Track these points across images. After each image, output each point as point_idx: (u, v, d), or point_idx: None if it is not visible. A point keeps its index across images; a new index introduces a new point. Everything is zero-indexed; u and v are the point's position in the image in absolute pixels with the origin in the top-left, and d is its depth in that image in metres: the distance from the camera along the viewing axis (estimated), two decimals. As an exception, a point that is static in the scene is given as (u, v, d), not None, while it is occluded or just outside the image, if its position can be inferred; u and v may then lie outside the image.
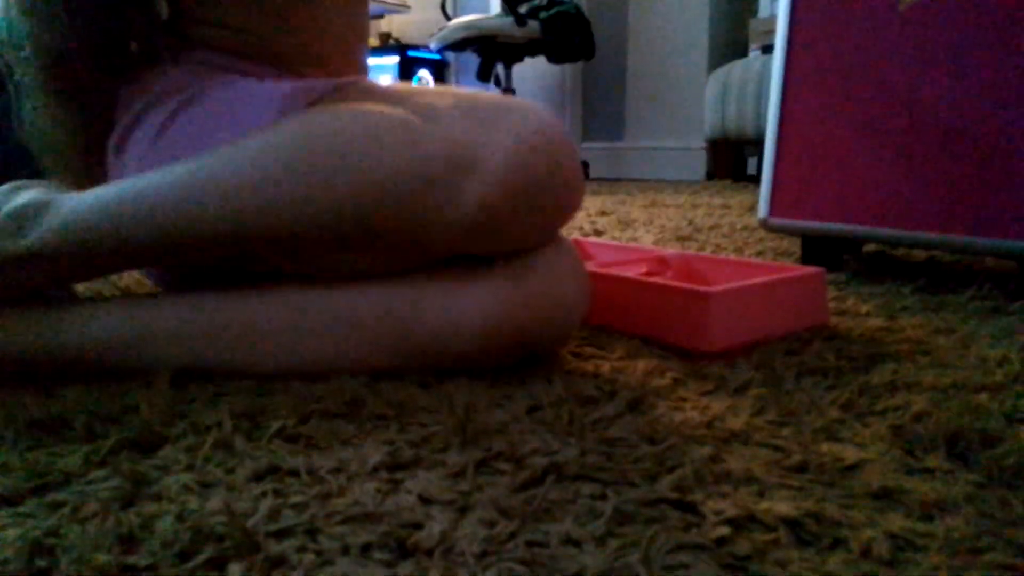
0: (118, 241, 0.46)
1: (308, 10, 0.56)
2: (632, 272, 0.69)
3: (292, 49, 0.57)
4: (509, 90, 2.65)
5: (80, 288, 0.70)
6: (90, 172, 0.57)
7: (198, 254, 0.48)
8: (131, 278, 0.79)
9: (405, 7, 3.28)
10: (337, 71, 0.61)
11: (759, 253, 1.01)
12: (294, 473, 0.35)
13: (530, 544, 0.29)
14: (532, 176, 0.45)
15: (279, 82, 0.52)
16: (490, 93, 0.51)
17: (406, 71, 3.18)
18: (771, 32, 2.38)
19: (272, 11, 0.55)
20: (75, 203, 0.48)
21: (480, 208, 0.44)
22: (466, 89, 0.53)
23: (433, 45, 2.55)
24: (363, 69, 0.65)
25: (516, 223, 0.45)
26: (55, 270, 0.48)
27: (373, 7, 3.17)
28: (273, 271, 0.50)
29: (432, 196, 0.44)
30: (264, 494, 0.33)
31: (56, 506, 0.32)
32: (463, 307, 0.46)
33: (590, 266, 0.66)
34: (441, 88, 0.52)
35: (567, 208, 0.48)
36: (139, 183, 0.47)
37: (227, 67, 0.55)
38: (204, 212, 0.45)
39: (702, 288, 0.54)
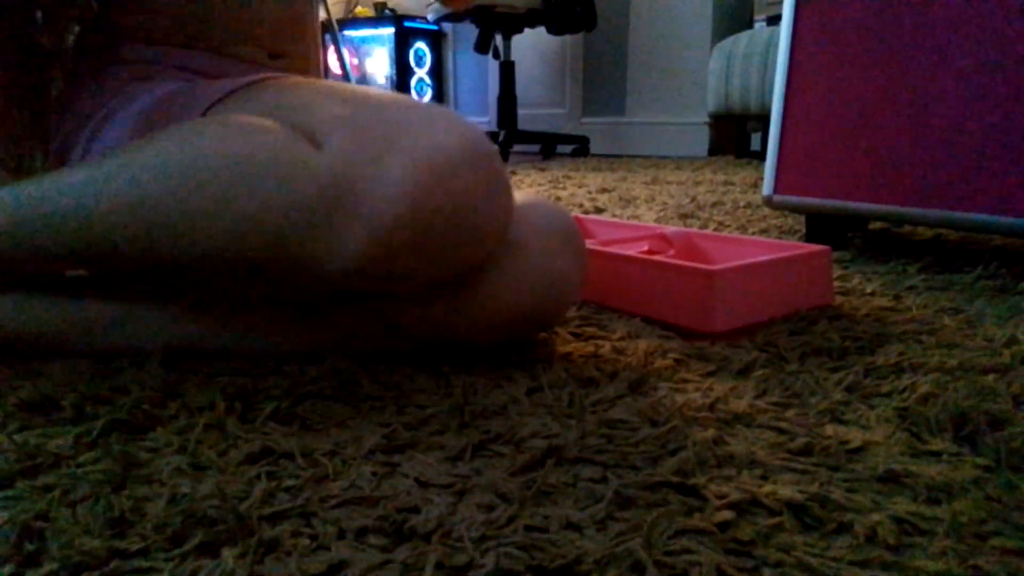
0: (9, 243, 0.45)
1: None
2: (633, 250, 0.68)
3: (220, 28, 0.56)
4: (508, 62, 2.60)
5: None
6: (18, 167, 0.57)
7: (99, 266, 0.45)
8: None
9: (403, -23, 3.22)
10: (276, 49, 0.60)
11: (763, 231, 1.00)
12: (288, 456, 0.35)
13: (529, 528, 0.29)
14: (427, 213, 0.37)
15: (162, 88, 0.51)
16: (400, 97, 0.43)
17: (402, 43, 3.13)
18: (777, 3, 2.33)
19: None
20: None
21: (365, 254, 0.38)
22: (378, 90, 0.44)
23: (430, 16, 2.50)
24: (309, 42, 0.63)
25: (415, 266, 0.39)
26: None
27: (370, -23, 3.10)
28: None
29: (310, 240, 0.38)
30: (258, 477, 0.33)
31: (46, 489, 0.32)
32: (452, 302, 0.45)
33: (591, 244, 0.65)
34: (347, 91, 0.44)
35: (482, 242, 0.41)
36: (26, 188, 0.46)
37: (157, 61, 0.54)
38: (69, 231, 0.43)
39: (705, 266, 0.53)
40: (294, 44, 0.62)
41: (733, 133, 2.48)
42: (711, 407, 0.40)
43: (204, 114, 0.47)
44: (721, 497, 0.31)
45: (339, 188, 0.38)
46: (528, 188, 1.60)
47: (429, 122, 0.39)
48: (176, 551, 0.27)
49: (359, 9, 3.38)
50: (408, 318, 0.46)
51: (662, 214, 1.16)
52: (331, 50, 2.47)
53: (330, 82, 0.47)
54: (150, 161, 0.41)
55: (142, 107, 0.51)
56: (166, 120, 0.48)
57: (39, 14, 0.56)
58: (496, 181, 0.40)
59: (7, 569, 0.27)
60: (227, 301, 0.48)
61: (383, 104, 0.41)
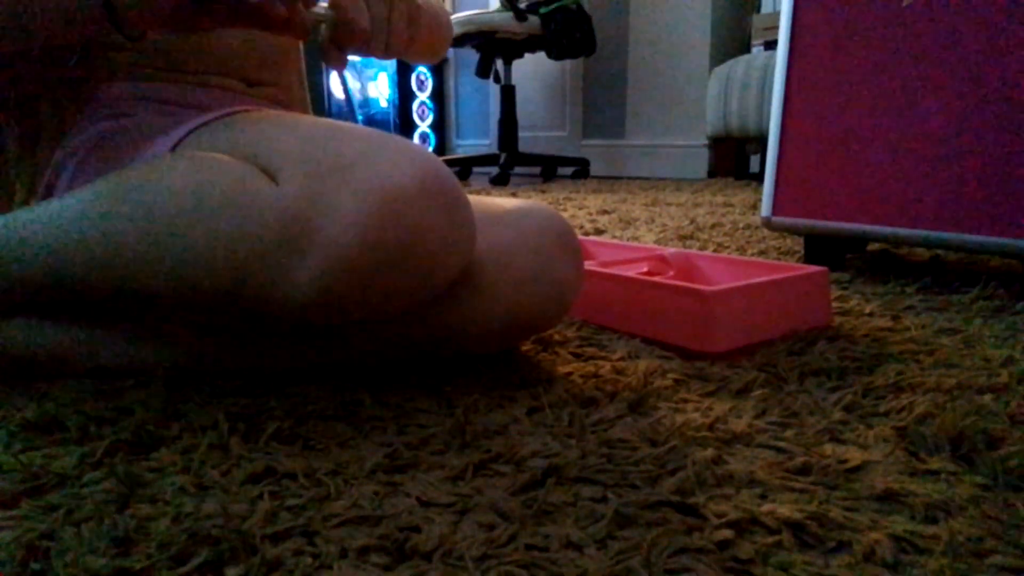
0: None
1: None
2: (633, 271, 0.69)
3: (195, 59, 0.58)
4: (509, 86, 2.64)
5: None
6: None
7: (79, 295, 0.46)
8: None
9: (405, 4, 3.27)
10: (255, 78, 0.61)
11: (761, 252, 1.01)
12: (291, 475, 0.35)
13: (530, 547, 0.29)
14: (379, 247, 0.37)
15: (135, 127, 0.52)
16: (360, 129, 0.43)
17: (404, 67, 3.18)
18: (773, 28, 2.37)
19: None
20: None
21: (318, 288, 0.38)
22: (339, 123, 0.44)
23: (433, 42, 2.53)
24: (291, 71, 0.65)
25: (370, 298, 0.39)
26: None
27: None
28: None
29: (264, 274, 0.39)
30: (261, 496, 0.33)
31: (51, 508, 0.32)
32: (451, 309, 0.46)
33: (591, 265, 0.66)
34: (307, 124, 0.44)
35: (441, 273, 0.41)
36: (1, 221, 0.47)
37: (134, 96, 0.56)
38: (40, 262, 0.44)
39: (704, 287, 0.54)
40: (273, 73, 0.63)
41: (732, 155, 2.50)
42: (710, 427, 0.41)
43: (173, 149, 0.48)
44: (720, 516, 0.31)
45: (293, 223, 0.38)
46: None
47: (385, 156, 0.39)
48: (180, 570, 0.28)
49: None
50: (407, 328, 0.46)
51: (662, 235, 1.17)
52: (333, 74, 2.51)
53: (292, 115, 0.47)
54: (116, 196, 0.42)
55: (114, 149, 0.52)
56: (134, 158, 0.49)
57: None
58: (454, 213, 0.40)
59: (12, 588, 0.27)
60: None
61: (341, 137, 0.41)
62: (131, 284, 0.42)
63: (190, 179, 0.41)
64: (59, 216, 0.44)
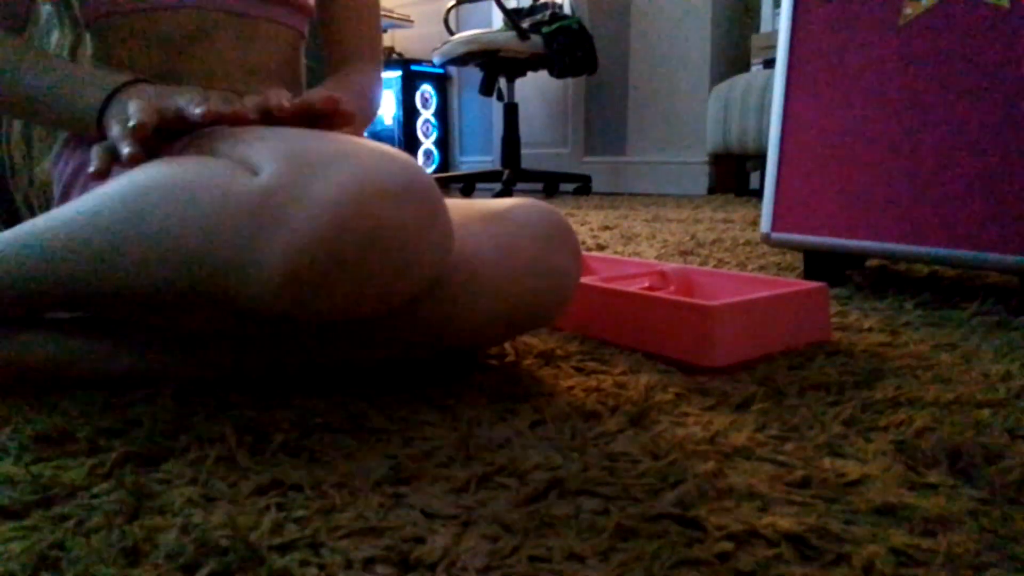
0: None
1: (193, 46, 0.59)
2: (634, 287, 0.69)
3: (195, 76, 0.59)
4: (512, 104, 2.66)
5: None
6: None
7: (58, 301, 0.46)
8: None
9: (408, 22, 3.32)
10: (239, 90, 0.62)
11: (761, 268, 1.01)
12: (297, 487, 0.36)
13: (533, 559, 0.29)
14: (349, 236, 0.37)
15: None
16: (345, 135, 0.44)
17: (409, 85, 3.21)
18: (772, 47, 2.40)
19: (162, 46, 0.58)
20: None
21: (285, 267, 0.37)
22: (318, 131, 0.45)
23: (436, 60, 2.57)
24: (291, 85, 0.66)
25: (336, 291, 0.38)
26: None
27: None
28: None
29: (235, 257, 0.38)
30: (267, 508, 0.33)
31: (61, 519, 0.33)
32: (448, 300, 0.45)
33: (592, 280, 0.66)
34: (293, 130, 0.45)
35: (412, 273, 0.40)
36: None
37: None
38: (29, 264, 0.45)
39: (704, 303, 0.55)
40: (264, 87, 0.64)
41: (732, 172, 2.52)
42: (711, 440, 0.41)
43: None
44: (721, 528, 0.31)
45: (266, 207, 0.38)
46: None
47: (367, 155, 0.39)
48: (188, 580, 0.28)
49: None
50: (402, 320, 0.46)
51: (663, 251, 1.18)
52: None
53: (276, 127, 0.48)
54: (100, 198, 0.43)
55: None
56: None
57: None
58: (430, 215, 0.40)
59: (23, 597, 0.27)
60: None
61: (325, 138, 0.42)
62: (113, 282, 0.42)
63: (173, 176, 0.41)
64: (54, 220, 0.45)
